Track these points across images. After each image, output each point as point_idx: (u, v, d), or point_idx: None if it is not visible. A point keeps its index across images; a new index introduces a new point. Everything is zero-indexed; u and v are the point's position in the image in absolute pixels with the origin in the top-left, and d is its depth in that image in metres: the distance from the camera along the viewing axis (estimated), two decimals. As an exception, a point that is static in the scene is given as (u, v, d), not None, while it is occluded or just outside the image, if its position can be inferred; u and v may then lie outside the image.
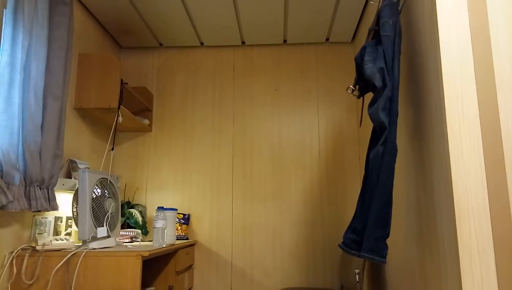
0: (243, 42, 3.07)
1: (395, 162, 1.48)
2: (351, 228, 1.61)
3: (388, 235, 1.46)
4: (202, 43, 3.09)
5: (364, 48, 1.64)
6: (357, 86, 1.81)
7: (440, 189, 1.38)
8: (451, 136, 1.30)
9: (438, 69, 1.37)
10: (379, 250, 1.43)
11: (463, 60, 1.33)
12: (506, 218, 1.24)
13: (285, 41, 3.06)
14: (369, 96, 2.09)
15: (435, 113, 1.41)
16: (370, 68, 1.56)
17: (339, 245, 1.66)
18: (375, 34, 1.67)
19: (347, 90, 1.96)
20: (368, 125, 2.56)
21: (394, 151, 1.47)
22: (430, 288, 1.49)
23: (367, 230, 1.47)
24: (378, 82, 1.51)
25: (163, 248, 2.02)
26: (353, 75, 3.00)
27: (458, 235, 1.24)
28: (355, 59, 1.71)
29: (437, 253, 1.41)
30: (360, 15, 2.66)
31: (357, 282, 2.12)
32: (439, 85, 1.36)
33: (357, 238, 1.56)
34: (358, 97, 1.84)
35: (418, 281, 1.62)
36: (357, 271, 2.13)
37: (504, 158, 1.27)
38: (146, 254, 1.77)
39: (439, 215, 1.39)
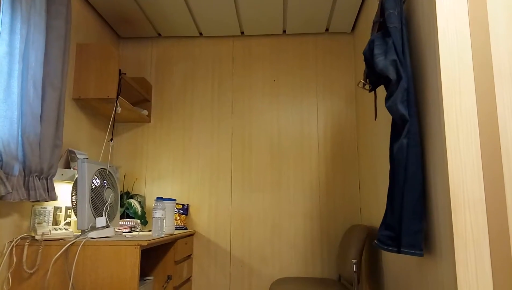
0: (242, 33, 3.06)
1: (420, 152, 1.47)
2: (385, 225, 1.57)
3: (424, 227, 1.44)
4: (201, 33, 3.08)
5: (372, 42, 1.61)
6: (367, 80, 1.78)
7: (437, 180, 1.38)
8: (448, 128, 1.30)
9: (436, 60, 1.37)
10: (418, 244, 1.41)
11: (461, 52, 1.33)
12: (502, 209, 1.25)
13: (284, 31, 3.04)
14: (380, 89, 2.08)
15: (433, 105, 1.41)
16: (381, 61, 1.53)
17: (374, 243, 1.63)
18: (380, 26, 1.65)
19: (358, 84, 1.94)
20: (366, 116, 2.56)
21: (418, 141, 1.46)
22: (426, 278, 1.50)
23: (404, 225, 1.44)
24: (392, 75, 1.49)
25: (162, 238, 2.03)
26: (352, 65, 3.00)
27: (453, 226, 1.25)
28: (364, 54, 1.67)
29: (433, 243, 1.42)
30: (359, 5, 2.65)
31: (354, 272, 2.14)
32: (437, 77, 1.36)
33: (392, 234, 1.52)
34: (370, 91, 1.81)
35: (415, 271, 1.63)
36: (354, 261, 2.15)
37: (500, 150, 1.27)
38: (145, 243, 1.78)
39: (435, 206, 1.40)
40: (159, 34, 3.09)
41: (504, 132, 1.28)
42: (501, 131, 1.28)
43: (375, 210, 2.37)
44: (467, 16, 1.34)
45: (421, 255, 1.41)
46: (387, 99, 1.55)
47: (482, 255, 1.22)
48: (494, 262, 1.22)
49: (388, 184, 2.03)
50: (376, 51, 1.58)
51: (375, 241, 1.62)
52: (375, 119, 1.94)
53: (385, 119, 2.07)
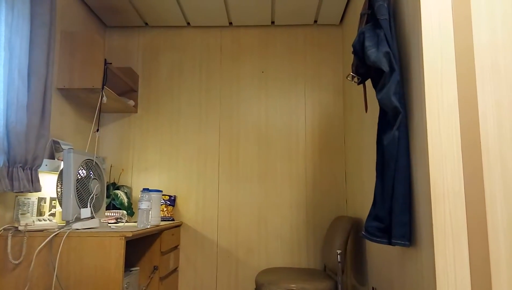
0: (230, 23, 3.04)
1: (408, 144, 1.48)
2: (373, 216, 1.58)
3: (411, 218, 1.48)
4: (188, 23, 3.04)
5: (362, 34, 1.60)
6: (356, 72, 1.77)
7: (418, 172, 1.40)
8: (430, 121, 1.31)
9: (419, 54, 1.38)
10: (408, 234, 1.43)
11: (444, 46, 1.34)
12: (480, 202, 1.27)
13: (273, 22, 3.03)
14: (368, 81, 2.08)
15: (416, 98, 1.43)
16: (373, 53, 1.52)
17: (362, 234, 1.63)
18: (369, 18, 1.65)
19: (347, 77, 1.93)
20: (353, 109, 2.58)
21: (407, 133, 1.47)
22: (407, 268, 1.53)
23: (394, 217, 1.45)
24: (385, 67, 1.48)
25: (147, 229, 2.03)
26: (341, 57, 3.00)
27: (433, 217, 1.27)
28: (353, 46, 1.66)
29: (414, 234, 1.45)
30: (348, -3, 2.65)
31: (339, 262, 2.17)
32: (420, 70, 1.37)
33: (381, 225, 1.53)
34: (359, 84, 1.81)
35: (397, 261, 1.66)
36: (339, 251, 2.18)
37: (480, 143, 1.29)
38: (129, 235, 1.78)
39: (415, 197, 1.42)
40: (146, 24, 3.05)
41: (484, 125, 1.30)
42: (481, 125, 1.30)
43: (360, 201, 2.40)
44: (451, 11, 1.35)
45: (408, 246, 1.44)
46: (378, 91, 1.54)
47: (461, 246, 1.25)
48: (472, 253, 1.25)
49: (374, 176, 2.05)
50: (367, 43, 1.56)
51: (363, 232, 1.63)
52: (366, 112, 1.95)
53: (372, 112, 2.09)
